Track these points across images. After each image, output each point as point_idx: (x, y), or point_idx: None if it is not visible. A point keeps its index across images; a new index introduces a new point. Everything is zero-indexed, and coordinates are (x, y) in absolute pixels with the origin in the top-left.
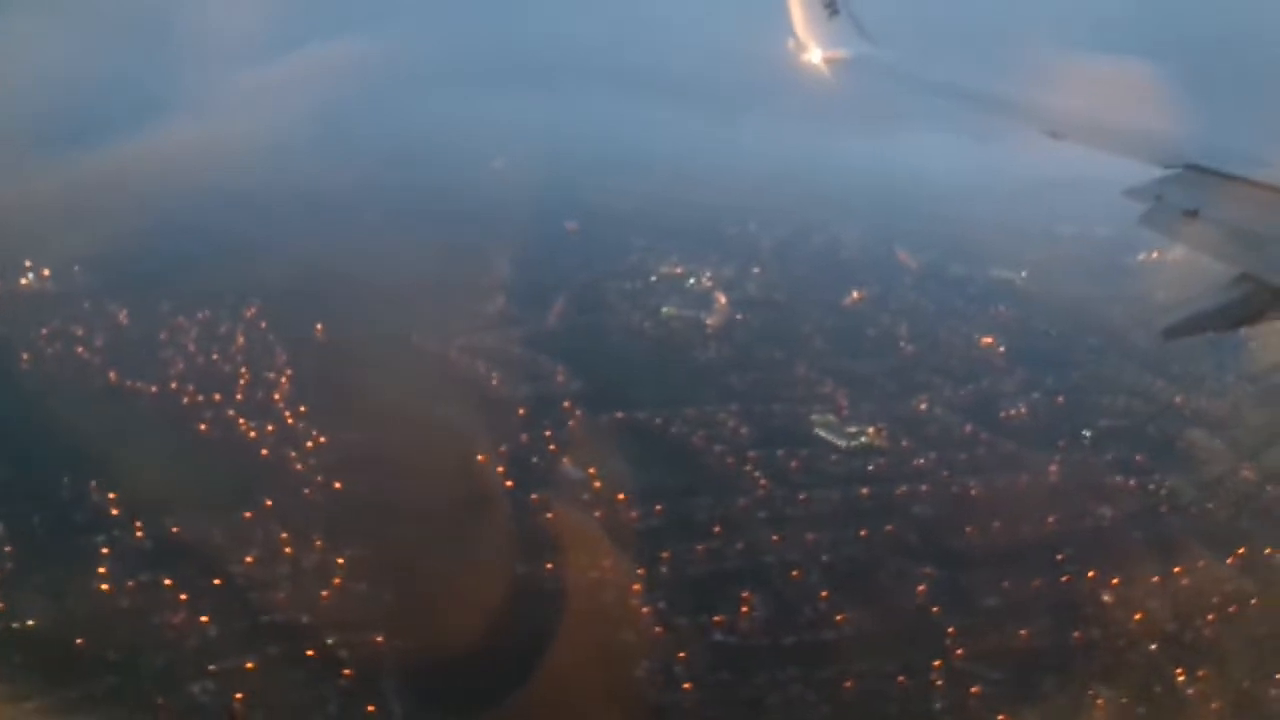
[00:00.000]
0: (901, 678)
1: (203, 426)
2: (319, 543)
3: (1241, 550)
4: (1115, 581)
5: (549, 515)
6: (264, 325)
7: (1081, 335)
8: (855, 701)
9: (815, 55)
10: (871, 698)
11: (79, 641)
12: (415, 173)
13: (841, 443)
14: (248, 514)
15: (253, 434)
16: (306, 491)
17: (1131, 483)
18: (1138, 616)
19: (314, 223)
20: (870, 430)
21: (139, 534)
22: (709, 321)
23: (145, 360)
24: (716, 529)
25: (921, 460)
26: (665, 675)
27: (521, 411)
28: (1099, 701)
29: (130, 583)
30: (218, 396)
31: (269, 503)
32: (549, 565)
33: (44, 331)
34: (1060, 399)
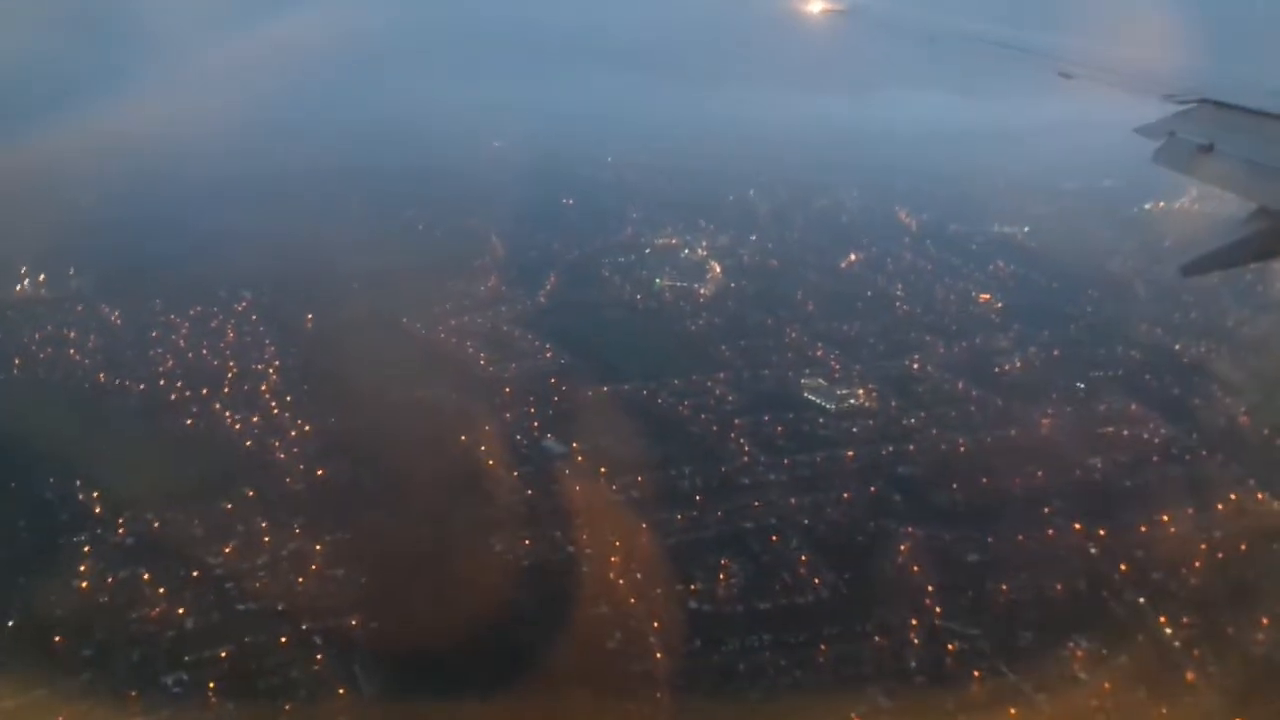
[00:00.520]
0: (878, 638)
1: (189, 421)
2: (298, 530)
3: (1233, 496)
4: (1102, 533)
5: (528, 492)
6: (254, 317)
7: (1081, 287)
8: (829, 665)
9: (815, 6)
10: (846, 660)
11: (56, 639)
12: (415, 154)
13: (830, 406)
14: (229, 505)
15: (238, 426)
16: (288, 480)
17: (1125, 433)
18: (1123, 567)
19: (308, 209)
20: (860, 392)
21: (120, 530)
22: (702, 291)
23: (134, 359)
24: (697, 498)
25: (911, 420)
26: (640, 645)
27: (507, 390)
28: (1078, 654)
29: (109, 578)
30: (205, 391)
31: (251, 493)
32: (526, 541)
33: (36, 335)
34: (1056, 352)
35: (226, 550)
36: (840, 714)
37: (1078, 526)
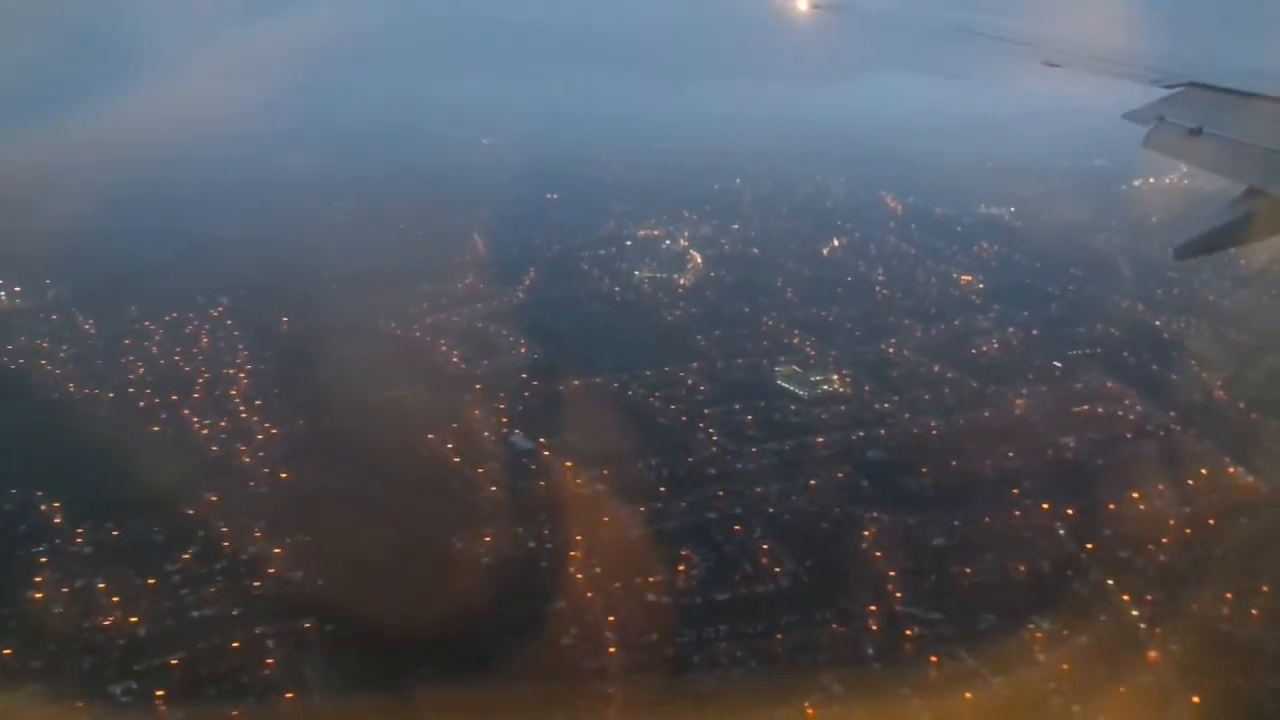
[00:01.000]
0: (836, 625)
1: (156, 428)
2: (259, 534)
3: (1204, 471)
4: (1070, 512)
5: (492, 489)
6: (229, 322)
7: (1065, 266)
8: (784, 653)
9: (802, 2)
10: (801, 648)
11: (5, 650)
12: (404, 153)
13: (803, 392)
14: (191, 511)
15: (205, 431)
16: (252, 484)
17: (1099, 411)
18: (1090, 546)
19: (292, 212)
20: (835, 378)
21: (79, 540)
22: (681, 282)
23: (105, 368)
24: (661, 490)
25: (883, 404)
26: (594, 640)
27: (478, 387)
28: (1038, 635)
29: (65, 588)
30: (174, 397)
31: (214, 498)
32: (487, 538)
33: (7, 346)
34: (1035, 331)
35: (185, 557)
36: (792, 703)
37: (1046, 507)
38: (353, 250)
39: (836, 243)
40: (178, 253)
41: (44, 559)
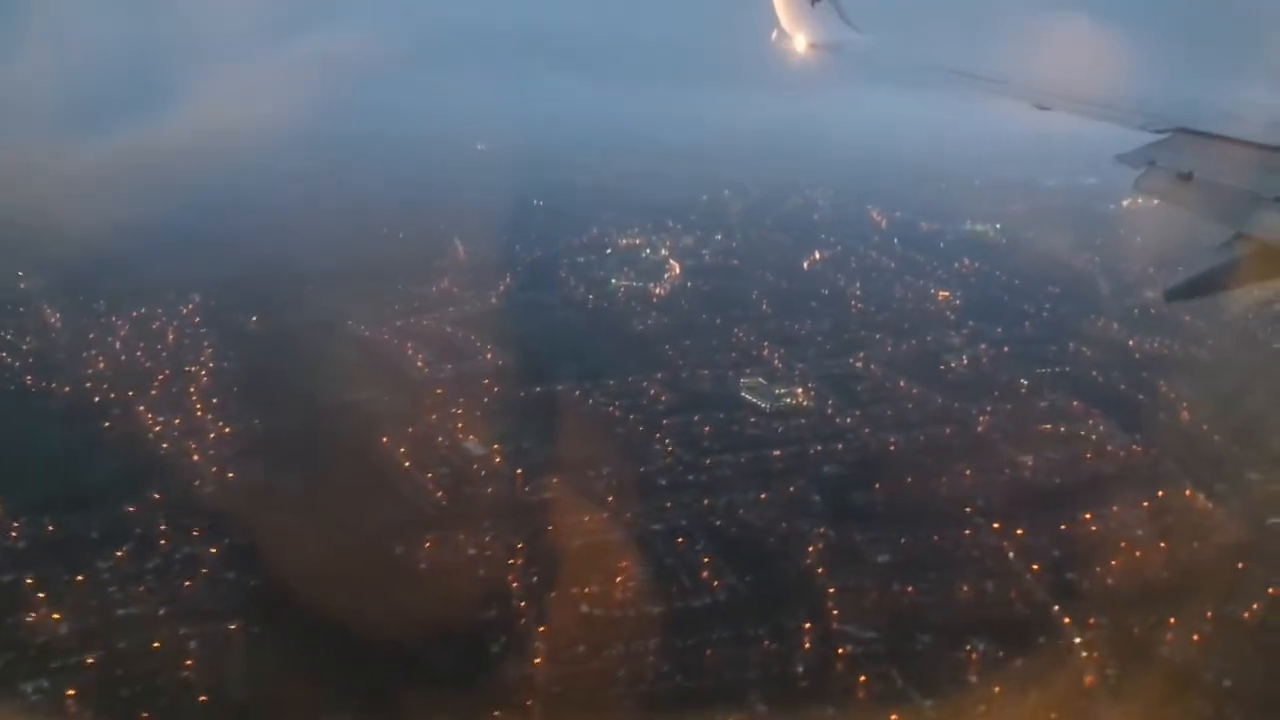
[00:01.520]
0: (768, 642)
1: (107, 424)
2: (196, 534)
3: (1161, 494)
4: (1020, 532)
5: (438, 495)
6: (198, 320)
7: (1043, 283)
8: (712, 670)
9: (799, 44)
10: (730, 665)
11: None
12: (398, 157)
13: (765, 404)
14: (131, 508)
15: (158, 429)
16: (197, 483)
17: (1061, 430)
18: (1035, 567)
19: (278, 213)
20: (799, 391)
21: (13, 535)
22: (657, 291)
23: (66, 361)
24: (609, 500)
25: (845, 419)
26: (522, 650)
27: (439, 391)
28: (973, 657)
29: None
30: (131, 393)
31: (157, 496)
32: (426, 544)
33: None
34: (1006, 349)
35: (119, 554)
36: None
37: (996, 526)
38: (333, 252)
39: (818, 256)
40: (156, 249)
41: None
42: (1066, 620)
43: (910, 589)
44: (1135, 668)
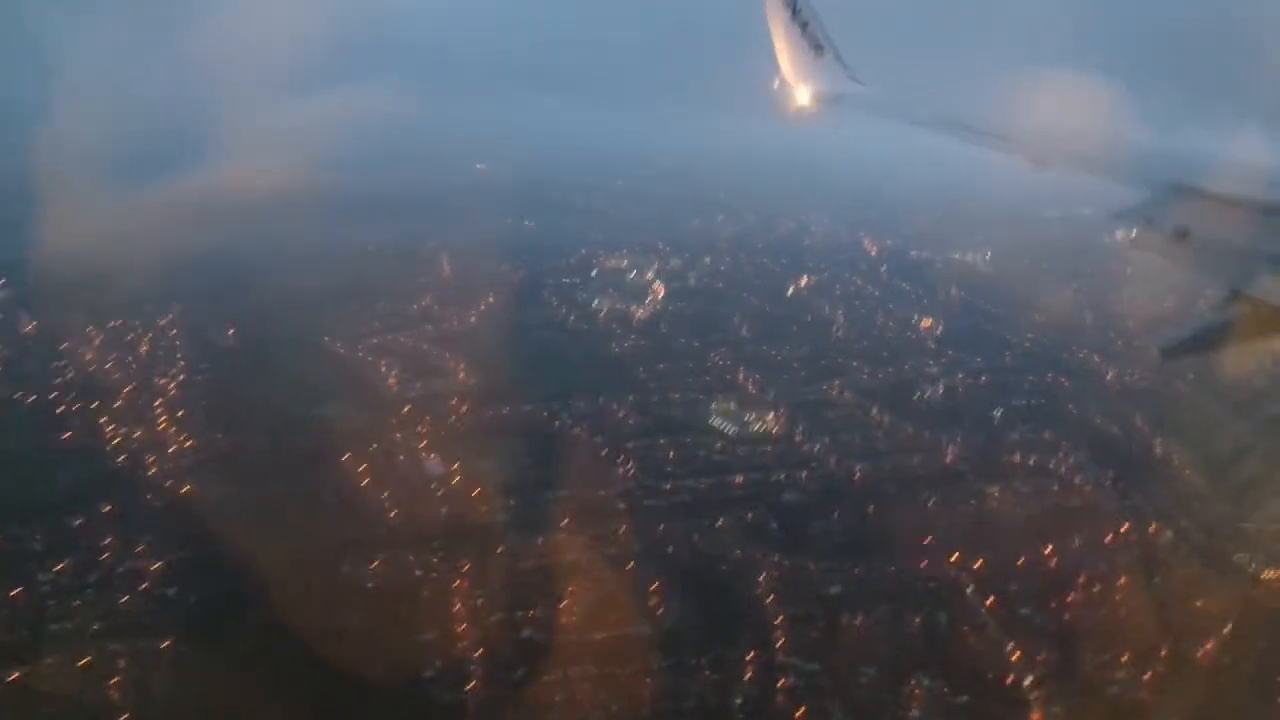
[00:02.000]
0: (707, 672)
1: (66, 435)
2: (142, 548)
3: (1125, 528)
4: (977, 565)
5: (393, 514)
6: (174, 332)
7: (1027, 314)
8: (647, 700)
9: (803, 95)
10: (665, 696)
11: None
12: (394, 176)
13: (734, 430)
14: (79, 521)
15: (117, 440)
16: (149, 497)
17: (1031, 462)
18: (990, 602)
19: (266, 228)
20: (769, 417)
21: None
22: (638, 313)
23: (34, 371)
24: (564, 523)
25: (813, 446)
26: (455, 674)
27: (406, 410)
28: (916, 692)
29: None
30: (95, 404)
31: (107, 509)
32: (373, 564)
33: None
34: (984, 378)
35: (58, 568)
36: None
37: (954, 558)
38: (316, 268)
39: (804, 282)
40: (139, 261)
41: None
42: (1016, 655)
43: (860, 621)
44: (1082, 705)
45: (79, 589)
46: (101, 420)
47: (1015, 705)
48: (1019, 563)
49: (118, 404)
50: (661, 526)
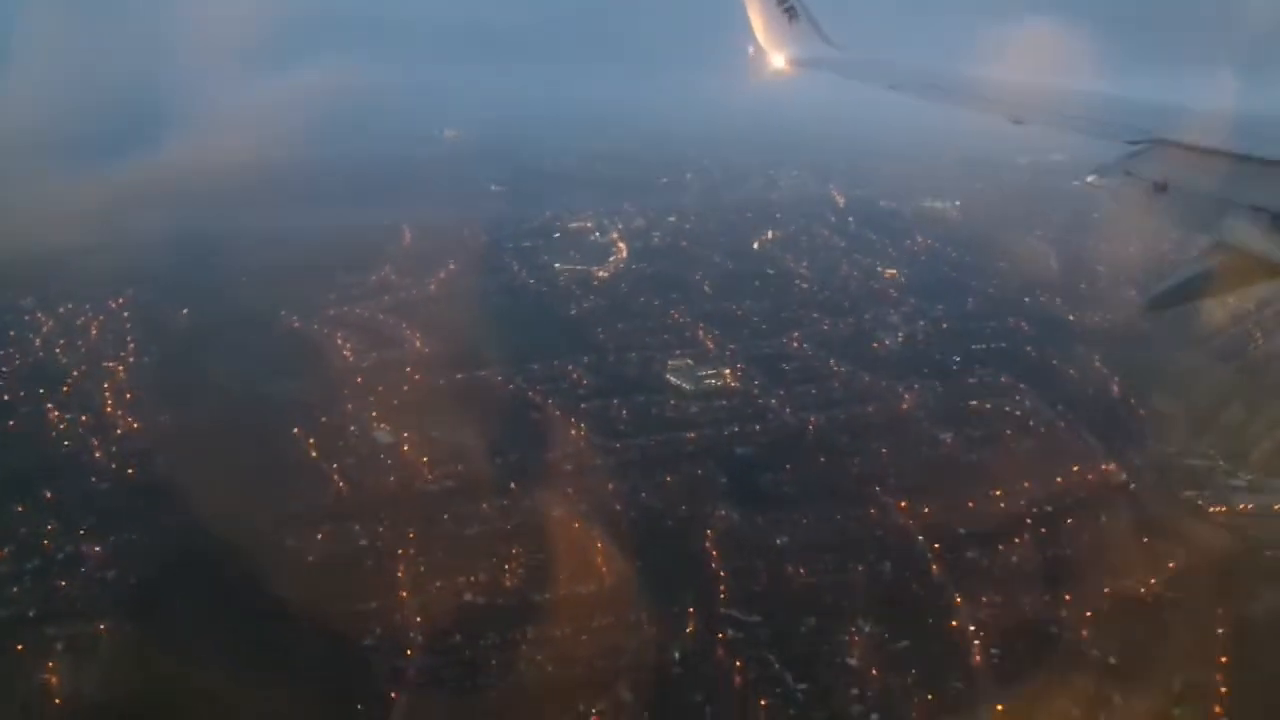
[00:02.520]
0: (647, 627)
1: (11, 422)
2: (83, 532)
3: (1076, 469)
4: (926, 510)
5: (340, 485)
6: (126, 314)
7: (992, 260)
8: (586, 657)
9: (777, 60)
10: (605, 653)
11: None
12: (362, 144)
13: (689, 386)
14: (20, 507)
15: (63, 426)
16: (93, 480)
17: (986, 406)
18: (936, 546)
19: (225, 203)
20: (726, 372)
21: None
22: (599, 273)
23: None
24: (511, 486)
25: (768, 399)
26: (397, 641)
27: (358, 380)
28: (856, 640)
29: None
30: (42, 390)
31: (49, 495)
32: (319, 536)
33: None
34: (945, 325)
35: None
36: (578, 709)
37: (903, 504)
38: (277, 242)
39: (769, 235)
40: (93, 242)
41: None
42: (958, 599)
43: (803, 570)
44: (1021, 647)
45: (19, 575)
46: (47, 406)
47: (954, 649)
48: (969, 506)
49: (64, 389)
50: (610, 485)
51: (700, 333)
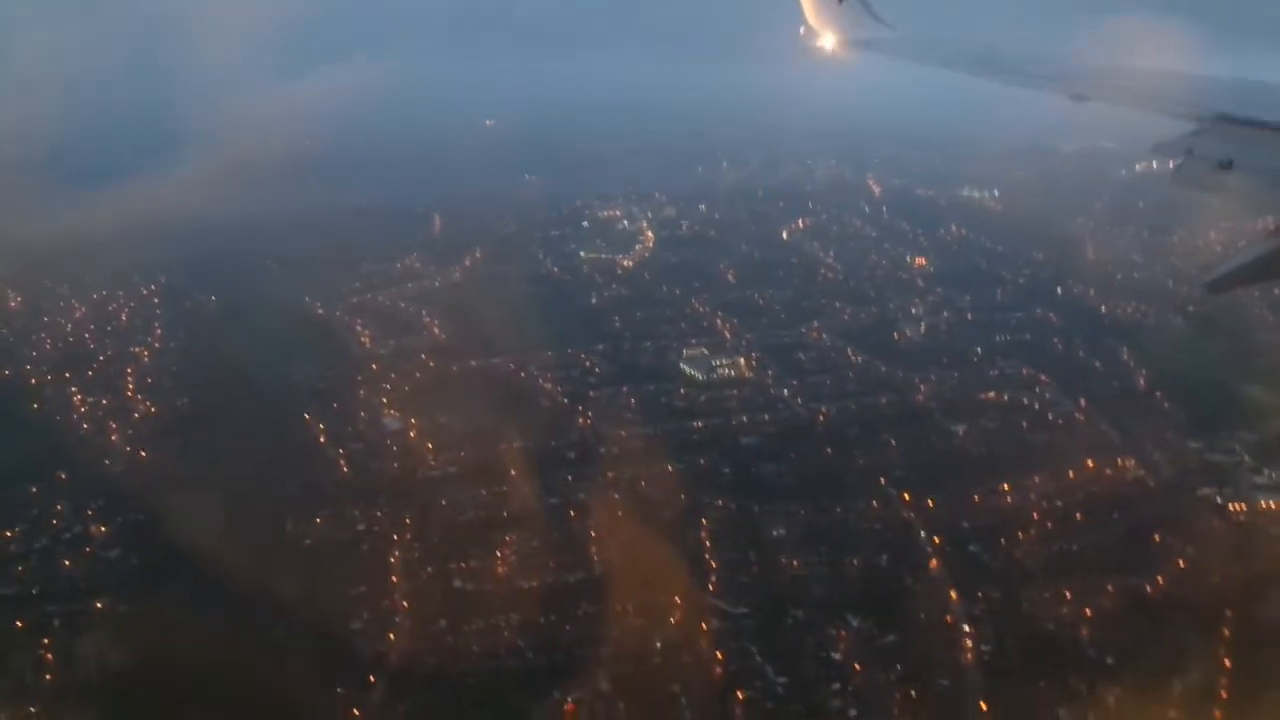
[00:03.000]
0: (633, 616)
1: (35, 405)
2: (91, 512)
3: (1091, 463)
4: (930, 503)
5: (345, 470)
6: (156, 301)
7: (1027, 249)
8: (565, 645)
9: (827, 41)
10: (585, 642)
11: None
12: (404, 134)
13: (701, 376)
14: (34, 489)
15: (84, 409)
16: (107, 462)
17: (1005, 398)
18: (936, 540)
19: (266, 188)
20: (741, 361)
21: None
22: (624, 262)
23: (14, 344)
24: (512, 473)
25: (781, 389)
26: (382, 625)
27: (374, 367)
28: (843, 635)
29: None
30: (67, 374)
31: (63, 476)
32: (318, 520)
33: None
34: (970, 316)
35: (8, 534)
36: (554, 698)
37: (906, 497)
38: (308, 230)
39: (800, 224)
40: (129, 231)
41: None
42: (953, 594)
43: (796, 563)
44: (1014, 644)
45: (26, 554)
46: (71, 389)
47: (944, 644)
48: (974, 500)
49: (89, 373)
50: (610, 474)
51: (719, 322)
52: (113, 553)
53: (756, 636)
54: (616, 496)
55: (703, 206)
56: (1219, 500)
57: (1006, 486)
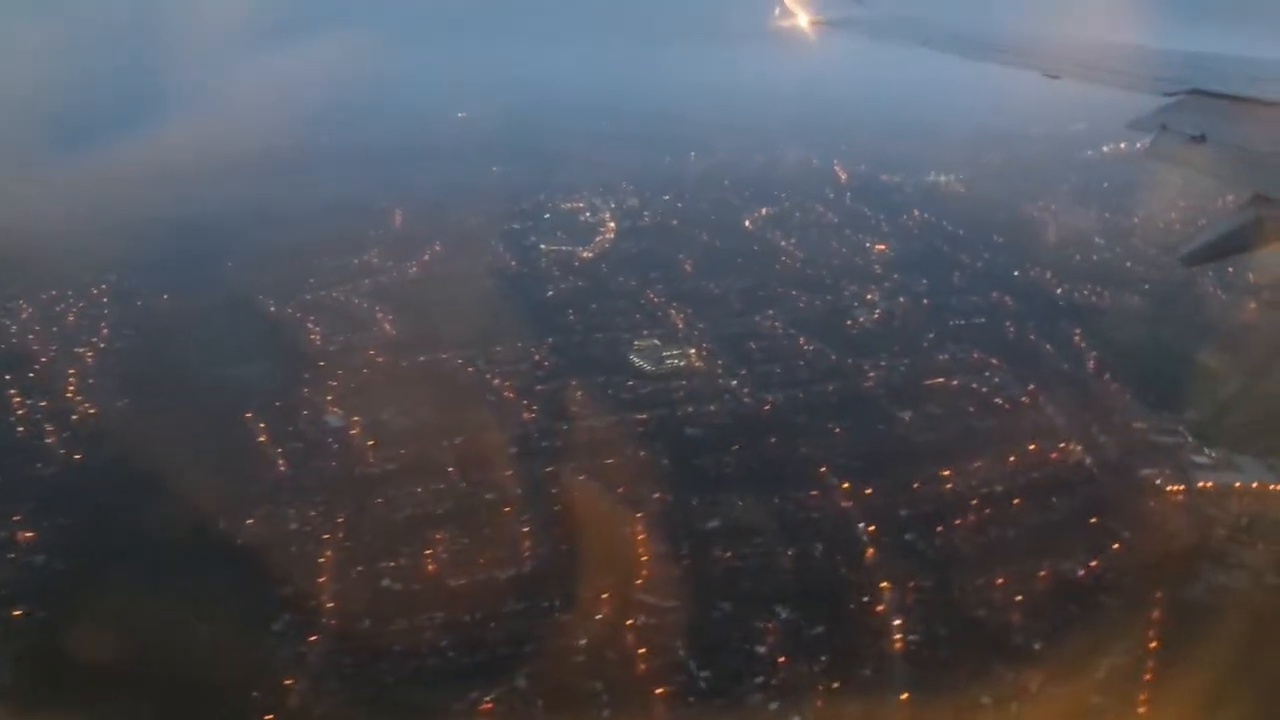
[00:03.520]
0: (559, 613)
1: None
2: (18, 518)
3: (1033, 447)
4: (869, 492)
5: (282, 468)
6: (105, 301)
7: (987, 234)
8: (492, 642)
9: (804, 20)
10: (514, 639)
11: None
12: (372, 127)
13: (651, 367)
14: None
15: (21, 412)
16: (39, 465)
17: (953, 384)
18: (871, 529)
19: (224, 184)
20: (691, 352)
21: None
22: (583, 254)
23: None
24: (449, 470)
25: (729, 380)
26: (307, 627)
27: (321, 364)
28: (769, 627)
29: None
30: (7, 376)
31: None
32: (249, 521)
33: None
34: (926, 302)
35: None
36: (469, 698)
37: (845, 486)
38: (270, 226)
39: (763, 213)
40: (83, 228)
41: None
42: (884, 584)
43: (729, 555)
44: (942, 632)
45: None
46: (10, 392)
47: (870, 635)
48: (914, 488)
49: (30, 375)
50: (548, 469)
51: (673, 312)
52: (38, 559)
53: (681, 631)
54: (554, 492)
55: (667, 196)
56: (1158, 482)
57: (947, 473)
